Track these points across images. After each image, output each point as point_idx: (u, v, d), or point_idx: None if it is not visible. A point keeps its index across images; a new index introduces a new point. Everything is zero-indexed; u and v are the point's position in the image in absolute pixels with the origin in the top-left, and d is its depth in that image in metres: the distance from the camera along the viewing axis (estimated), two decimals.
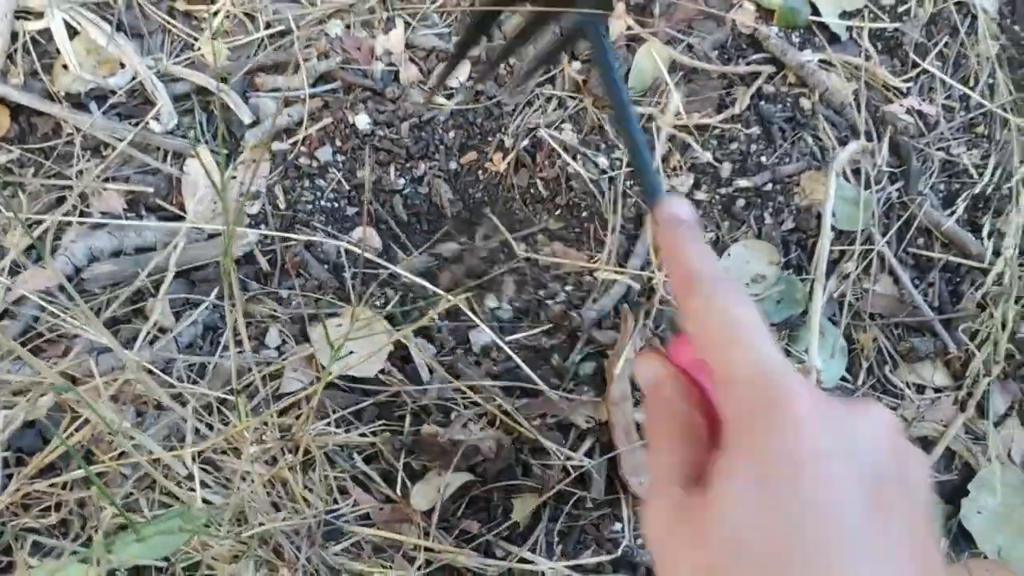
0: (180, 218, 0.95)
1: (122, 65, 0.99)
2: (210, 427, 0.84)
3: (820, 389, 0.49)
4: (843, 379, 1.06)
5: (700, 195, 1.09)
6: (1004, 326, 1.07)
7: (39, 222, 0.91)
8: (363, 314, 0.90)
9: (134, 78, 0.98)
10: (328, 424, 0.87)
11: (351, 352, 0.85)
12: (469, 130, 1.07)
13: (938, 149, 1.19)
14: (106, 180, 0.94)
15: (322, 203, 1.00)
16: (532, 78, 1.06)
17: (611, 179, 1.06)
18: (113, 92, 0.97)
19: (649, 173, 0.64)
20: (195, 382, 0.87)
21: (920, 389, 1.07)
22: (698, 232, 0.58)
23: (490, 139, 1.07)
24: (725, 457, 0.43)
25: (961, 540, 1.00)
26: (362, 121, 1.03)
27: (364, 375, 0.89)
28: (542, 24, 0.74)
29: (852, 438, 0.42)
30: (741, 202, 1.09)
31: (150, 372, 0.84)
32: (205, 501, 0.82)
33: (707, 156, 1.10)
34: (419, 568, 0.83)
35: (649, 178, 0.64)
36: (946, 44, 1.27)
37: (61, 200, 0.93)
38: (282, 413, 0.84)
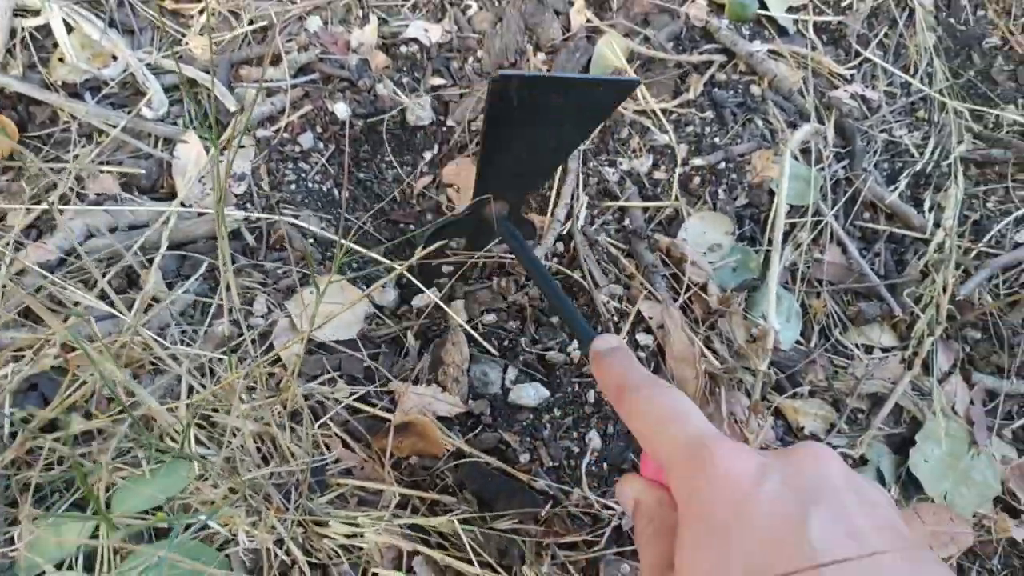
0: (171, 199, 1.01)
1: (114, 58, 1.05)
2: (203, 386, 0.90)
3: (749, 446, 0.50)
4: (797, 342, 1.13)
5: (659, 174, 1.16)
6: (945, 290, 1.15)
7: (39, 202, 0.97)
8: (338, 279, 0.96)
9: (126, 70, 1.05)
10: (314, 384, 0.93)
11: (331, 318, 0.91)
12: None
13: (881, 131, 1.28)
14: (101, 164, 1.01)
15: (307, 184, 1.07)
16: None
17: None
18: (106, 83, 1.04)
19: (579, 324, 0.75)
20: (188, 346, 0.92)
21: (868, 350, 1.15)
22: (626, 354, 0.62)
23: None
24: (679, 533, 0.45)
25: (910, 487, 1.07)
26: (340, 109, 1.10)
27: (345, 336, 0.95)
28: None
29: (797, 474, 0.42)
30: (697, 180, 1.16)
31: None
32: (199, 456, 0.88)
33: (665, 138, 1.18)
34: (398, 508, 0.88)
35: (580, 328, 0.74)
36: (886, 35, 1.36)
37: (56, 185, 0.99)
38: (272, 363, 0.90)
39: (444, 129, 1.16)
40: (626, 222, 1.11)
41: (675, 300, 1.07)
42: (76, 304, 0.92)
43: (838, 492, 0.42)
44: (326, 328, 0.94)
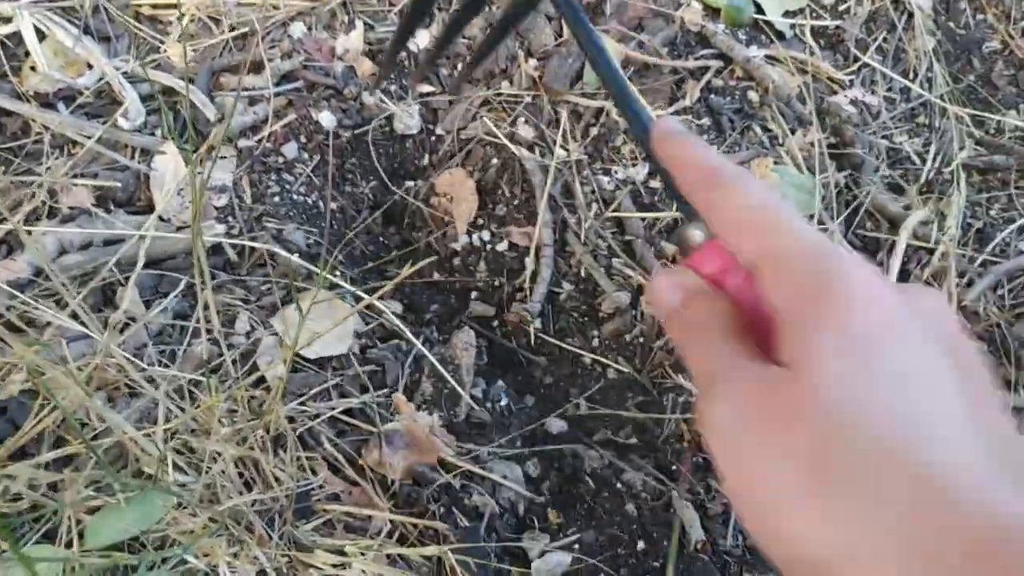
0: (148, 212, 0.97)
1: (89, 66, 1.01)
2: (182, 410, 0.86)
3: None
4: None
5: (655, 183, 1.13)
6: (949, 301, 1.12)
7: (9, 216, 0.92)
8: (325, 295, 0.92)
9: (101, 78, 1.01)
10: (300, 404, 0.89)
11: (318, 335, 0.87)
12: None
13: (882, 137, 1.25)
14: (75, 176, 0.96)
15: (292, 196, 1.03)
16: (478, 67, 1.07)
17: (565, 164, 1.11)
18: (81, 92, 1.00)
19: (636, 105, 0.64)
20: (166, 367, 0.88)
21: None
22: (702, 142, 0.56)
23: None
24: (799, 337, 0.38)
25: None
26: (325, 118, 1.07)
27: (334, 353, 0.91)
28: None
29: (920, 310, 0.38)
30: None
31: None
32: (177, 484, 0.84)
33: None
34: (388, 537, 0.84)
35: (637, 110, 0.62)
36: (885, 39, 1.33)
37: (31, 197, 0.95)
38: (254, 385, 0.86)
39: (433, 138, 1.13)
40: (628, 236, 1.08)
41: None
42: (47, 324, 0.88)
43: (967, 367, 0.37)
44: (314, 345, 0.90)
